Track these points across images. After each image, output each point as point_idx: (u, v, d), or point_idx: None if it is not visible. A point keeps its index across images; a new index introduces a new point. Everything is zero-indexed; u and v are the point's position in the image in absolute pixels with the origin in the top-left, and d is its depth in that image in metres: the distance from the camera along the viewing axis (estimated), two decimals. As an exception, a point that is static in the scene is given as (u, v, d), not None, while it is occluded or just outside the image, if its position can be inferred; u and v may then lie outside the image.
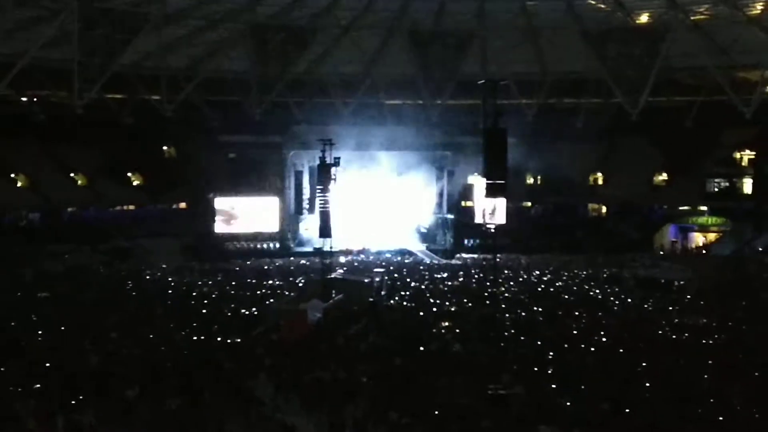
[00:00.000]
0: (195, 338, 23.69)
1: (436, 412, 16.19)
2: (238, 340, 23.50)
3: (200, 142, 57.67)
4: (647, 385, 18.35)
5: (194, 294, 33.57)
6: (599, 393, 17.42)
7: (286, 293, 33.48)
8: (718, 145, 60.84)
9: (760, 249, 50.46)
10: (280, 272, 42.56)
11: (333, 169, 38.83)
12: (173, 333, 24.30)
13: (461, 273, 41.67)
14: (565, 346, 22.68)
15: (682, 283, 36.92)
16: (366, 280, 33.82)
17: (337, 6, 56.73)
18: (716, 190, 60.33)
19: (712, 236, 55.83)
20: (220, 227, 55.12)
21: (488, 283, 30.53)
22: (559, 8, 56.04)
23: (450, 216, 57.76)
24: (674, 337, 24.51)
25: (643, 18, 57.20)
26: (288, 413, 16.21)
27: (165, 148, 64.35)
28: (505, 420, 15.90)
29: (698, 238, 56.24)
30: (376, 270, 37.18)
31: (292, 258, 51.34)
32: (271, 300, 31.47)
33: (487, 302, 29.39)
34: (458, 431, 15.56)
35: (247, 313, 28.43)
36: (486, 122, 26.99)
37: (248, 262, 48.09)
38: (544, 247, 52.06)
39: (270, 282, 37.77)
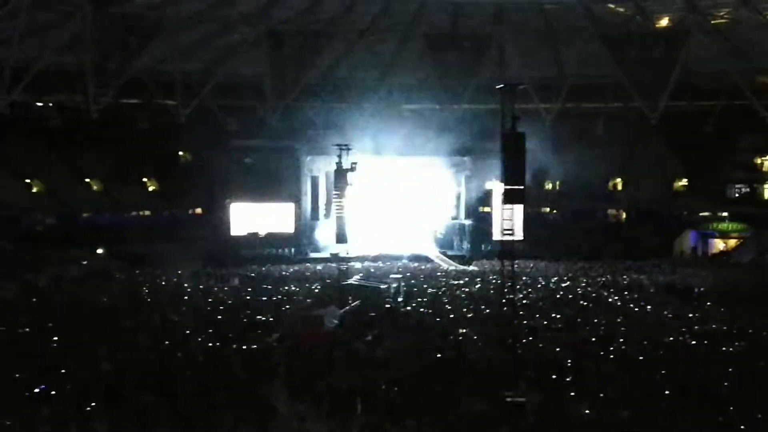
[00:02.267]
0: (211, 345, 23.49)
1: (454, 420, 15.98)
2: (254, 347, 23.28)
3: (216, 147, 57.60)
4: (667, 392, 18.07)
5: (210, 300, 33.38)
6: (618, 401, 17.18)
7: (303, 299, 33.23)
8: (739, 150, 60.43)
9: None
10: (296, 278, 42.36)
11: (349, 175, 38.68)
12: (189, 339, 24.13)
13: (479, 279, 41.34)
14: (584, 353, 22.39)
15: (702, 289, 36.55)
16: (383, 286, 33.60)
17: (353, 10, 56.61)
18: (737, 195, 59.91)
19: (732, 242, 55.30)
20: (236, 233, 55.00)
21: (506, 290, 30.24)
22: (577, 12, 55.74)
23: (467, 222, 57.47)
24: (694, 344, 24.15)
25: (663, 22, 56.84)
26: (304, 420, 16.03)
27: (180, 153, 64.32)
28: (522, 428, 15.72)
29: (718, 244, 55.74)
30: (392, 276, 36.91)
31: (308, 264, 51.07)
32: (288, 306, 31.24)
33: (505, 309, 29.12)
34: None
35: (263, 319, 28.20)
36: (504, 127, 26.72)
37: (263, 269, 47.86)
38: (562, 253, 51.60)
39: (286, 288, 37.52)
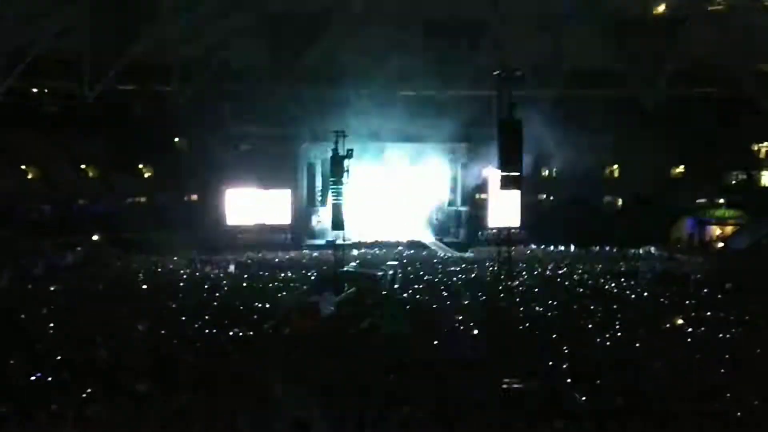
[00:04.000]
0: (206, 332, 23.50)
1: (450, 407, 15.98)
2: (250, 334, 23.29)
3: (212, 133, 57.41)
4: (663, 379, 18.08)
5: (206, 287, 33.39)
6: (614, 388, 17.20)
7: (299, 286, 33.23)
8: (736, 137, 60.27)
9: (779, 242, 50.03)
10: (292, 265, 42.38)
11: (346, 161, 38.61)
12: (184, 326, 24.13)
13: (475, 266, 41.41)
14: (580, 340, 22.41)
15: (698, 276, 36.57)
16: (379, 273, 33.60)
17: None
18: (733, 182, 59.85)
19: (729, 229, 55.34)
20: (232, 219, 55.07)
21: (502, 277, 30.32)
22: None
23: (464, 208, 57.51)
24: (690, 331, 24.16)
25: (660, 8, 56.67)
26: (300, 408, 16.02)
27: (176, 139, 64.08)
28: (519, 415, 15.71)
29: (715, 231, 55.77)
30: (389, 263, 36.92)
31: (304, 251, 51.12)
32: (284, 293, 31.24)
33: (502, 295, 29.17)
34: (472, 426, 15.34)
35: (259, 306, 28.21)
36: (501, 113, 26.77)
37: (260, 255, 47.89)
38: (558, 240, 51.67)
39: (282, 275, 37.55)
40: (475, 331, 23.77)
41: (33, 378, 17.71)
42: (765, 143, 59.75)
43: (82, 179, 57.47)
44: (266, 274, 38.11)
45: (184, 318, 25.38)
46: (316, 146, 54.04)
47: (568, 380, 18.00)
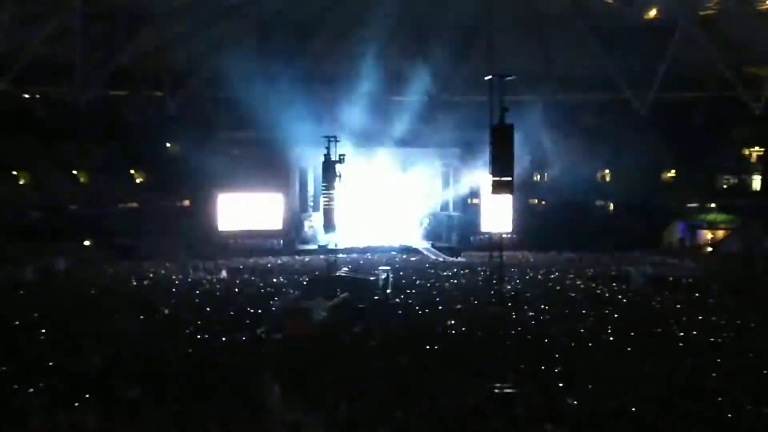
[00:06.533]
0: (199, 337, 23.48)
1: (442, 412, 15.99)
2: (243, 339, 23.29)
3: (203, 138, 57.34)
4: (654, 383, 18.10)
5: (197, 292, 33.37)
6: (606, 392, 17.22)
7: (291, 291, 33.22)
8: (728, 141, 60.49)
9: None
10: (284, 270, 42.36)
11: (338, 166, 38.65)
12: (177, 332, 24.10)
13: (467, 271, 41.45)
14: (572, 344, 22.47)
15: (690, 280, 36.64)
16: (371, 278, 33.61)
17: (342, 1, 56.47)
18: (725, 186, 60.04)
19: (720, 233, 55.50)
20: (224, 225, 54.97)
21: (494, 281, 30.31)
22: (566, 3, 55.71)
23: (456, 213, 57.57)
24: (682, 335, 24.21)
25: (652, 13, 56.87)
26: (293, 413, 16.01)
27: (168, 144, 64.01)
28: (511, 419, 15.72)
29: (706, 236, 55.91)
30: (381, 268, 36.93)
31: (296, 256, 51.09)
32: (276, 298, 31.22)
33: (493, 300, 29.18)
34: (464, 430, 15.35)
35: (251, 311, 28.19)
36: (492, 118, 26.77)
37: (252, 260, 47.84)
38: (550, 245, 51.70)
39: (274, 280, 37.54)
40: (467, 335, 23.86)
41: (25, 383, 17.65)
42: (756, 147, 59.96)
43: (74, 184, 57.33)
44: (258, 279, 38.08)
45: (176, 323, 25.34)
46: (308, 151, 54.01)
47: (560, 384, 18.04)
